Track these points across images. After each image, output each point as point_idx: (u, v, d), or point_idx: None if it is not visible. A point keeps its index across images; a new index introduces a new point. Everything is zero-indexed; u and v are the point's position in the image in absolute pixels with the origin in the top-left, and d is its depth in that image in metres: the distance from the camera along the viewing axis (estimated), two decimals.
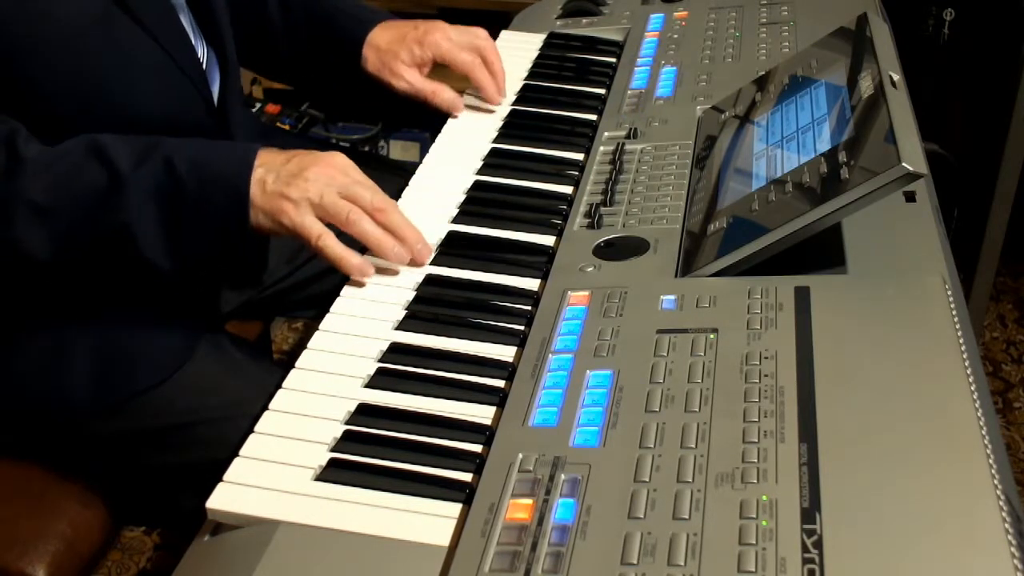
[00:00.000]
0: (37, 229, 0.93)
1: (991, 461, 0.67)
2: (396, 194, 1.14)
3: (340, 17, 1.34)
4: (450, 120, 1.31)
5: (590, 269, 0.96)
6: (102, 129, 1.02)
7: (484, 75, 1.31)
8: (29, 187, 0.93)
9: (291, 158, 0.98)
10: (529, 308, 0.95)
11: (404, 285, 0.99)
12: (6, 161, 0.93)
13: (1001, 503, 0.64)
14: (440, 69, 1.35)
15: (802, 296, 0.84)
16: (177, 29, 1.08)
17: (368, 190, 0.99)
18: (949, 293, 0.83)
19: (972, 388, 0.73)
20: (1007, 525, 0.62)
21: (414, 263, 1.01)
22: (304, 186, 0.96)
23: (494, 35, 1.51)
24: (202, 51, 1.14)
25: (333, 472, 0.78)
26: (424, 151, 1.27)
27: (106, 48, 1.01)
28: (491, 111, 1.32)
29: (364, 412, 0.84)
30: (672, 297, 0.88)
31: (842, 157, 0.89)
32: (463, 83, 1.43)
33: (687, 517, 0.67)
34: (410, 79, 1.30)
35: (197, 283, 1.06)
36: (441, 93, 1.30)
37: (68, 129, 1.00)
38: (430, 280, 1.00)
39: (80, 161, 0.95)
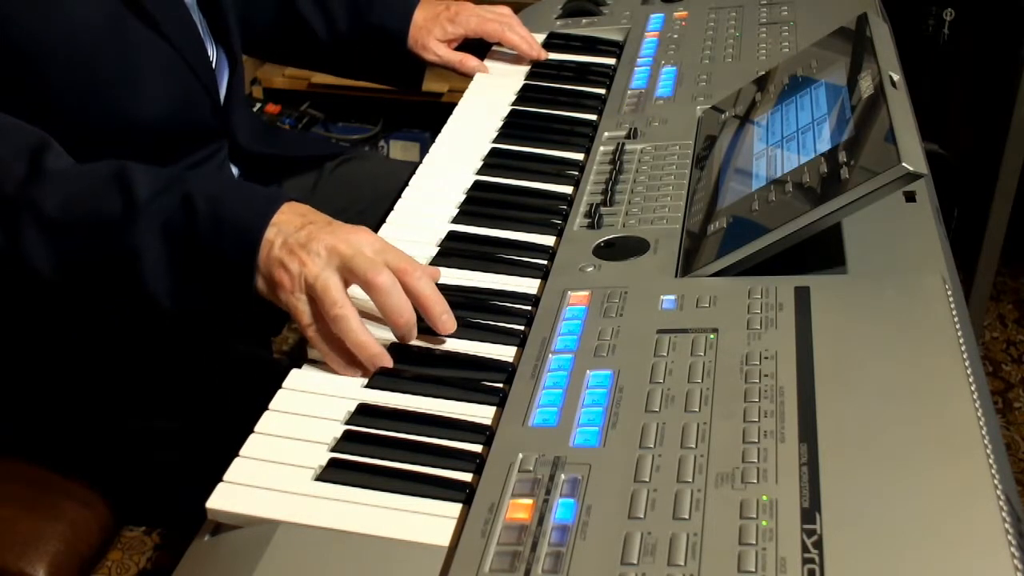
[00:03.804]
0: (44, 242, 0.89)
1: (991, 461, 0.67)
2: (397, 193, 1.15)
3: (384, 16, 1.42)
4: (450, 120, 1.32)
5: (590, 269, 0.96)
6: (107, 127, 1.01)
7: (514, 36, 1.43)
8: (45, 199, 0.89)
9: (306, 224, 0.89)
10: (529, 308, 0.95)
11: None
12: (27, 169, 0.90)
13: (1001, 503, 0.64)
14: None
15: (802, 296, 0.84)
16: (188, 27, 1.08)
17: (371, 269, 0.86)
18: (949, 293, 0.83)
19: (972, 388, 0.73)
20: (1007, 525, 0.62)
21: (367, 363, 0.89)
22: (305, 260, 0.86)
23: None
24: (212, 51, 1.14)
25: (333, 472, 0.78)
26: (424, 151, 1.28)
27: (117, 48, 1.00)
28: (491, 110, 1.33)
29: (364, 412, 0.84)
30: (672, 297, 0.88)
31: (842, 157, 0.89)
32: (463, 83, 1.44)
33: (687, 517, 0.67)
34: (439, 52, 1.42)
35: (198, 329, 1.01)
36: (467, 62, 1.43)
37: (73, 128, 1.00)
38: None
39: (101, 183, 0.91)
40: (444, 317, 0.90)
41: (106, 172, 0.91)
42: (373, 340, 0.87)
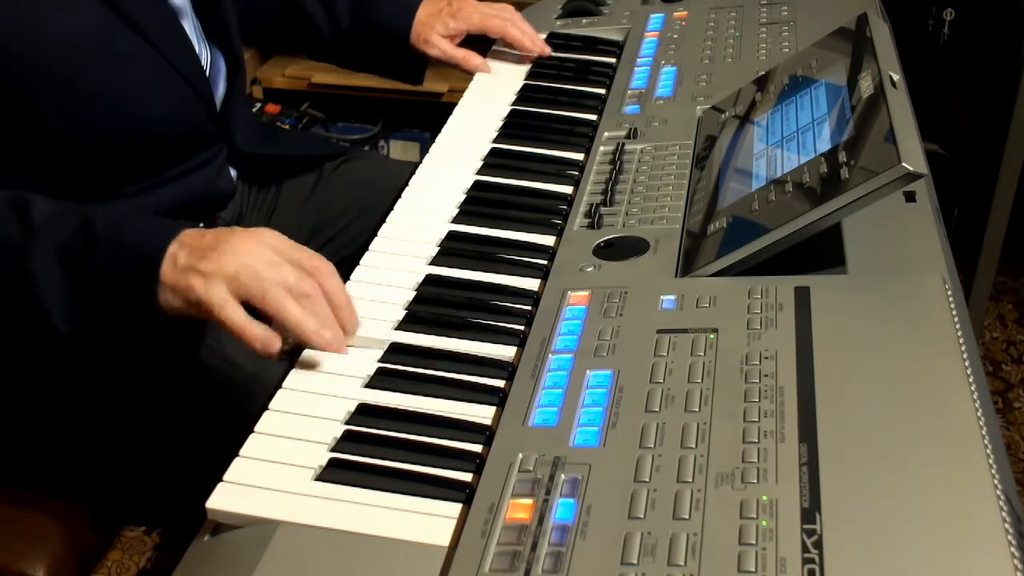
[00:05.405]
0: None
1: (991, 461, 0.67)
2: (397, 193, 1.15)
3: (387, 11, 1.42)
4: (450, 120, 1.32)
5: (590, 269, 0.96)
6: (101, 138, 1.01)
7: (516, 32, 1.43)
8: None
9: (210, 233, 0.89)
10: (529, 308, 0.95)
11: (404, 285, 0.99)
12: None
13: (1001, 503, 0.64)
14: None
15: (802, 296, 0.84)
16: (179, 36, 1.08)
17: (294, 273, 0.88)
18: (949, 293, 0.83)
19: (972, 388, 0.73)
20: (1007, 525, 0.62)
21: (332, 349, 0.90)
22: (219, 260, 0.86)
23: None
24: (206, 55, 1.14)
25: (333, 472, 0.78)
26: (424, 151, 1.28)
27: (106, 61, 1.00)
28: (491, 110, 1.33)
29: (364, 412, 0.84)
30: (672, 297, 0.88)
31: (842, 157, 0.89)
32: (463, 83, 1.44)
33: (687, 517, 0.67)
34: (442, 47, 1.42)
35: (104, 355, 1.00)
36: (471, 59, 1.43)
37: (67, 139, 1.00)
38: (430, 280, 1.00)
39: None
40: (353, 319, 0.91)
41: (4, 200, 0.90)
42: (311, 318, 0.88)
